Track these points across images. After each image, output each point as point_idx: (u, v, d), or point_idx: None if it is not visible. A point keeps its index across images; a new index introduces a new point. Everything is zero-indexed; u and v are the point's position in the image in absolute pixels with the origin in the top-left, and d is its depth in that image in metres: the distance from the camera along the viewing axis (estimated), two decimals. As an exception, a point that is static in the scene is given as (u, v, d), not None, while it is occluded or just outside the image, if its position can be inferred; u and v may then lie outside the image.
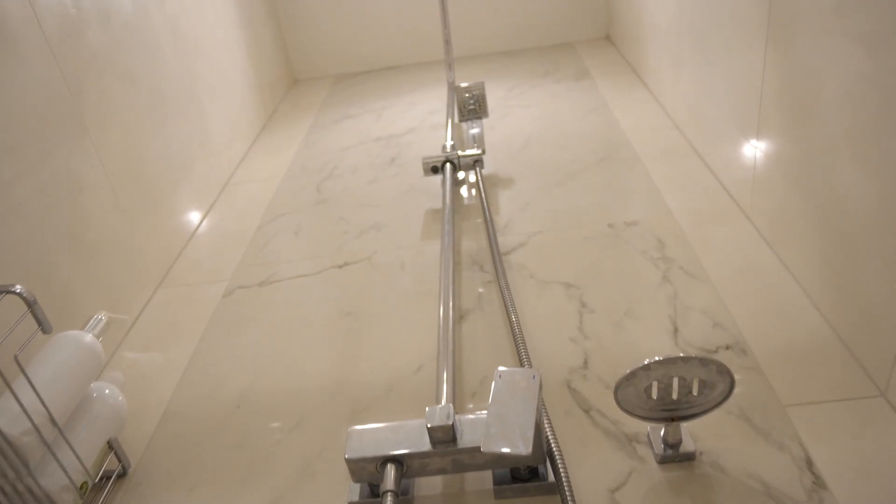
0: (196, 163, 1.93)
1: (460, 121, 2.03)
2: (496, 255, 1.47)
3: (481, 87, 2.07)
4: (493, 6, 2.87)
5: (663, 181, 1.74)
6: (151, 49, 1.76)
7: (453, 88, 2.14)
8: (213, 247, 1.78)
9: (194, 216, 1.87)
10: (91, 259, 1.37)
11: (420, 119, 2.40)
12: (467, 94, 2.05)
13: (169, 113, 1.80)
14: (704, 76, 1.73)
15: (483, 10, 2.87)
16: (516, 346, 1.20)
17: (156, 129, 1.72)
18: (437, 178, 1.91)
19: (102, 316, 1.18)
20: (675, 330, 1.22)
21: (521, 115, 2.30)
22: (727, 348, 1.16)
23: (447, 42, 2.26)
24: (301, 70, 3.03)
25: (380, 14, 2.89)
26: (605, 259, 1.47)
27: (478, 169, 1.81)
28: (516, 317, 1.27)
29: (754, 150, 1.44)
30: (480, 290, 1.43)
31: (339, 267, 1.61)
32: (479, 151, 1.82)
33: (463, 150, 1.84)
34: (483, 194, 1.70)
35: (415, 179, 1.96)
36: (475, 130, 1.97)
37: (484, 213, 1.64)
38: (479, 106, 2.03)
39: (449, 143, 1.91)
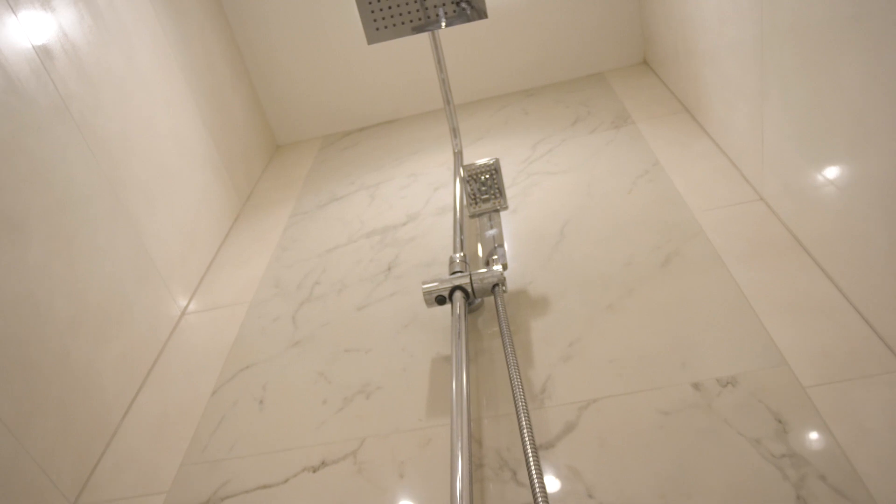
0: (128, 308, 1.47)
1: (472, 215, 1.54)
2: (531, 457, 0.98)
3: (495, 168, 1.58)
4: (504, 38, 2.37)
5: (760, 298, 1.23)
6: (40, 159, 1.30)
7: (460, 167, 1.65)
8: (147, 436, 1.32)
9: (124, 393, 1.42)
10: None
11: (423, 199, 1.91)
12: (478, 181, 1.56)
13: (81, 244, 1.35)
14: (810, 115, 1.21)
15: (493, 43, 2.37)
16: None
17: (56, 277, 1.26)
18: (445, 307, 1.42)
19: None
20: None
21: (549, 187, 1.79)
22: None
23: (448, 102, 1.77)
24: (283, 134, 2.57)
25: (369, 63, 2.42)
26: (697, 456, 0.97)
27: (499, 293, 1.32)
28: None
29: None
30: (516, 538, 0.94)
31: (314, 470, 1.14)
32: (498, 271, 1.33)
33: (476, 267, 1.35)
34: (507, 339, 1.20)
35: (417, 302, 1.48)
36: (492, 232, 1.47)
37: (510, 373, 1.15)
38: (495, 194, 1.54)
39: (458, 255, 1.42)
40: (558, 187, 1.78)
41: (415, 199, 1.92)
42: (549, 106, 2.29)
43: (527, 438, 0.94)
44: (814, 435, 0.96)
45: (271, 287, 1.69)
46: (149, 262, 1.58)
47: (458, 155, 1.83)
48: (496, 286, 1.33)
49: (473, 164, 1.59)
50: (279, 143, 2.59)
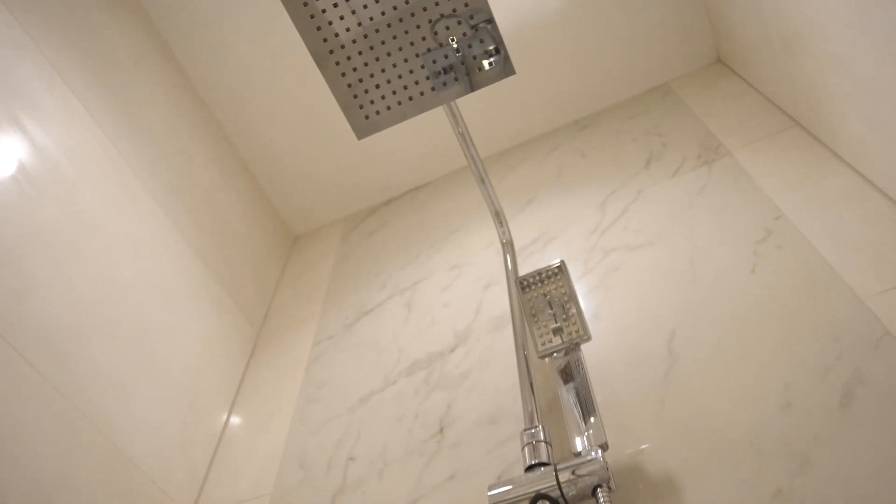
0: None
1: (542, 356, 1.09)
2: None
3: (561, 274, 1.13)
4: (540, 59, 1.91)
5: None
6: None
7: (513, 284, 1.21)
8: None
9: None
10: None
11: (471, 305, 1.48)
12: (540, 296, 1.12)
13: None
14: None
15: (527, 67, 1.92)
16: None
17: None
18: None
19: None
20: None
21: (636, 271, 1.33)
22: None
23: (483, 181, 1.33)
24: (299, 223, 2.19)
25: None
26: None
27: (603, 497, 0.87)
28: None
29: None
30: None
31: None
32: (599, 463, 0.88)
33: (562, 453, 0.91)
34: None
35: (483, 484, 1.04)
36: (572, 395, 1.02)
37: None
38: (566, 316, 1.09)
39: (532, 430, 0.98)
40: (648, 269, 1.32)
41: (461, 305, 1.49)
42: (609, 141, 1.82)
43: None
44: None
45: (296, 468, 1.30)
46: (132, 471, 1.21)
47: (508, 246, 1.39)
48: (598, 488, 0.88)
49: (530, 278, 1.15)
50: (296, 233, 2.21)
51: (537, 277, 1.15)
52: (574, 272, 1.40)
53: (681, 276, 1.26)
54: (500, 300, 1.44)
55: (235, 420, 1.52)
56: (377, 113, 1.12)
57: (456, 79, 1.09)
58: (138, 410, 1.28)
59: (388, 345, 1.49)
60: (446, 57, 1.07)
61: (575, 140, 1.91)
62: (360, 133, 1.13)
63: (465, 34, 1.06)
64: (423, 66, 1.08)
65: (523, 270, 1.47)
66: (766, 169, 1.41)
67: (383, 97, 1.11)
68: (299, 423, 1.41)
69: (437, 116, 1.90)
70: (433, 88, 1.10)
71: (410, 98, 1.11)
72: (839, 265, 1.11)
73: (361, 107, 1.11)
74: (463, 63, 1.08)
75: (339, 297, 1.77)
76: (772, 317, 1.09)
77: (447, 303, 1.53)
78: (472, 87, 1.11)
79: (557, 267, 1.15)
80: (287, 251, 2.13)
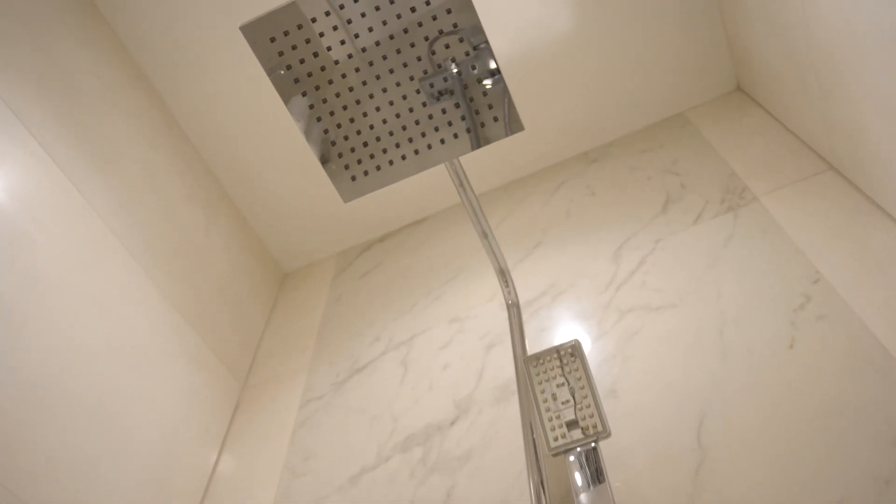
0: None
1: (555, 453, 0.96)
2: None
3: (575, 356, 1.00)
4: (547, 83, 1.78)
5: None
6: None
7: (521, 362, 1.07)
8: None
9: None
10: None
11: (473, 368, 1.34)
12: (550, 379, 0.98)
13: None
14: None
15: (534, 93, 1.78)
16: None
17: None
18: None
19: None
20: None
21: (656, 338, 1.19)
22: None
23: (486, 236, 1.19)
24: (289, 259, 2.06)
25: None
26: None
27: None
28: None
29: None
30: None
31: None
32: None
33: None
34: None
35: None
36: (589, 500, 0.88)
37: None
38: (582, 407, 0.95)
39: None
40: (671, 337, 1.18)
41: (462, 368, 1.36)
42: (622, 178, 1.68)
43: None
44: None
45: (277, 560, 1.16)
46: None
47: (514, 308, 1.25)
48: None
49: (540, 358, 1.01)
50: (286, 270, 2.08)
51: (548, 358, 1.01)
52: (587, 336, 1.26)
53: (709, 347, 1.12)
54: (504, 365, 1.30)
55: (214, 498, 1.38)
56: (365, 174, 0.98)
57: (456, 135, 0.95)
58: (100, 499, 1.14)
59: (381, 412, 1.36)
60: (444, 112, 0.93)
61: (584, 174, 1.77)
62: (348, 195, 0.99)
63: (465, 86, 0.92)
64: (417, 122, 0.94)
65: (530, 329, 1.34)
66: (799, 219, 1.28)
67: (372, 155, 0.97)
68: (284, 500, 1.28)
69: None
70: (429, 146, 0.96)
71: (403, 158, 0.97)
72: (891, 343, 0.98)
73: (347, 166, 0.98)
74: (464, 119, 0.94)
75: (330, 347, 1.63)
76: (816, 406, 0.95)
77: (447, 364, 1.39)
78: (479, 143, 0.97)
79: (571, 346, 1.01)
80: (276, 289, 2.00)
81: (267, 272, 1.98)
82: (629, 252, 1.42)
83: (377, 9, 0.89)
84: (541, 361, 1.02)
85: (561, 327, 1.32)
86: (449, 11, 0.89)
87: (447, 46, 0.91)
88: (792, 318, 1.10)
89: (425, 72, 0.92)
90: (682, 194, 1.51)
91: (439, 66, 0.93)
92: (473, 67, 0.92)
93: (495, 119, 0.95)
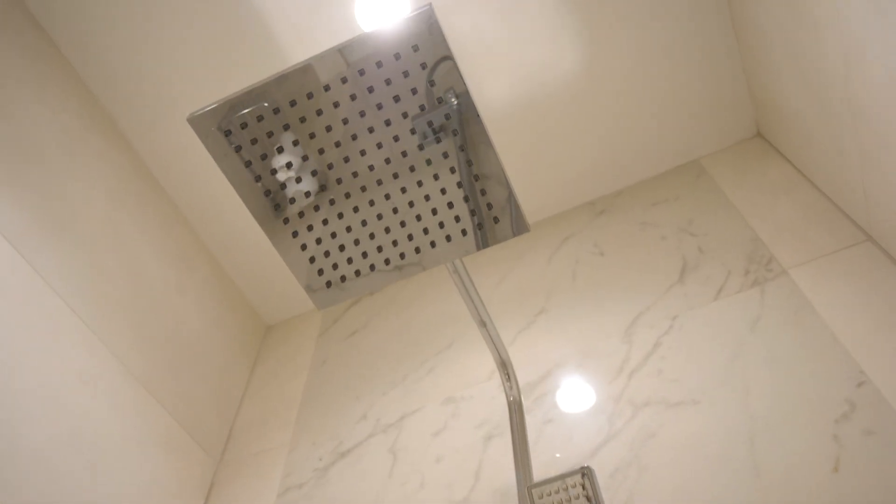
0: None
1: None
2: None
3: (592, 493, 0.86)
4: (552, 133, 1.64)
5: None
6: None
7: (524, 489, 0.93)
8: None
9: None
10: None
11: (470, 462, 1.20)
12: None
13: None
14: None
15: (538, 138, 1.64)
16: None
17: None
18: None
19: None
20: None
21: (677, 443, 1.05)
22: None
23: (483, 323, 1.05)
24: (272, 311, 1.91)
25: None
26: None
27: None
28: None
29: None
30: None
31: None
32: None
33: None
34: None
35: None
36: None
37: None
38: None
39: None
40: (694, 444, 1.04)
41: (457, 464, 1.21)
42: (632, 235, 1.54)
43: None
44: None
45: None
46: None
47: (515, 406, 1.11)
48: None
49: (545, 488, 0.87)
50: (269, 322, 1.93)
51: (556, 490, 0.87)
52: (597, 435, 1.12)
53: (738, 461, 0.98)
54: (504, 465, 1.16)
55: None
56: (343, 279, 0.84)
57: (448, 238, 0.81)
58: None
59: (367, 511, 1.22)
60: (434, 212, 0.79)
61: (591, 228, 1.63)
62: (322, 303, 0.85)
63: (459, 184, 0.78)
64: (402, 224, 0.80)
65: (533, 421, 1.20)
66: (836, 301, 1.14)
67: (350, 259, 0.83)
68: None
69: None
70: (417, 250, 0.82)
71: (386, 262, 0.83)
72: (956, 476, 0.84)
73: (321, 270, 0.84)
74: (458, 220, 0.80)
75: (313, 422, 1.49)
76: (872, 554, 0.81)
77: (440, 456, 1.25)
78: (482, 244, 0.83)
79: (582, 474, 0.87)
80: (258, 343, 1.85)
81: (247, 326, 1.83)
82: (643, 330, 1.28)
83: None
84: (547, 493, 0.88)
85: (567, 423, 1.18)
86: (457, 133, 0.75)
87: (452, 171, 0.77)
88: (834, 431, 0.96)
89: (411, 204, 0.78)
90: (700, 260, 1.37)
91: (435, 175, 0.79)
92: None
93: (496, 220, 0.81)
